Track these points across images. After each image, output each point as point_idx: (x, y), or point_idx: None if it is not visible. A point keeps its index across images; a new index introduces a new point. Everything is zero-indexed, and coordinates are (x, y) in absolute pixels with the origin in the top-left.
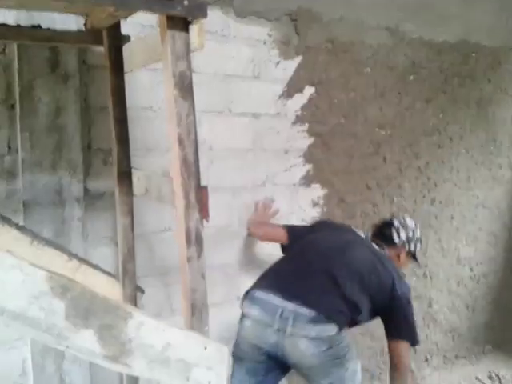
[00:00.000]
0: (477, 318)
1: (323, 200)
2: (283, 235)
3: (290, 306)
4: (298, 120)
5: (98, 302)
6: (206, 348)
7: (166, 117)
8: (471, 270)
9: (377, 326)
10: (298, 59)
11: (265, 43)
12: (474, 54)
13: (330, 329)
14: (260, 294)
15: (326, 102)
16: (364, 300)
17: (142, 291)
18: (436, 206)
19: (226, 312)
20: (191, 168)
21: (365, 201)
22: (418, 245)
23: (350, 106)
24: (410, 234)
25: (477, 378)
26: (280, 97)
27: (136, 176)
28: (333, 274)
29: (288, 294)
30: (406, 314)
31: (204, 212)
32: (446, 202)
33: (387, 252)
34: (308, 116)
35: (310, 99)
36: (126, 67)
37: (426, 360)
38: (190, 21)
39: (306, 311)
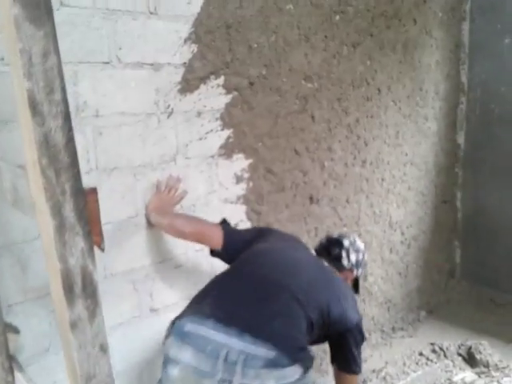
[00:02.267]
0: (409, 285)
1: (248, 173)
2: (218, 237)
3: (239, 344)
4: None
5: None
6: None
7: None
8: (402, 233)
9: None
10: None
11: None
12: None
13: (293, 372)
14: (193, 327)
15: (243, 47)
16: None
17: (16, 331)
18: (367, 167)
19: (137, 328)
20: (60, 157)
21: (294, 169)
22: (363, 270)
23: (272, 52)
24: (360, 258)
25: (421, 354)
26: (186, 41)
27: None
28: (293, 291)
29: (236, 325)
30: (357, 345)
31: (95, 235)
32: (377, 163)
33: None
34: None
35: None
36: None
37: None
38: None
39: (261, 351)
